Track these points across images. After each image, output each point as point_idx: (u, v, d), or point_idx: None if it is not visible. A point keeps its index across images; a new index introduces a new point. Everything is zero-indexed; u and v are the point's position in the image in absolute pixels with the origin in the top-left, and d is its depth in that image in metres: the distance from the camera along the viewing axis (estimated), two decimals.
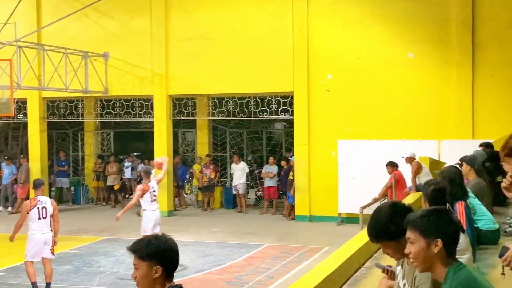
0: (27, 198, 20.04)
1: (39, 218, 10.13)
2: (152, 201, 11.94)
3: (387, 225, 3.60)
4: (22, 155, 21.29)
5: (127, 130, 24.51)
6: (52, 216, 10.33)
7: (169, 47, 18.77)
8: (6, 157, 21.56)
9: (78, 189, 22.31)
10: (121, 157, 22.78)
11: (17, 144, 23.93)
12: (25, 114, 20.77)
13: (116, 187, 21.28)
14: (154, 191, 11.98)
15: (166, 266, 3.44)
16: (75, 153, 23.91)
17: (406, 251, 3.31)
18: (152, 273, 3.41)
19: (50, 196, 20.57)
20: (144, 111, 20.23)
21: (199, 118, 20.88)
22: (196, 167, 20.71)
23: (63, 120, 21.94)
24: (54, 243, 10.43)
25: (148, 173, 12.16)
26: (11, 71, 15.56)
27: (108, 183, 21.22)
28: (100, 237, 15.62)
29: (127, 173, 21.78)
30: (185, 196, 21.45)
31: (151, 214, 11.96)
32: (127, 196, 22.51)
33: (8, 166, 20.78)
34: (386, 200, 13.71)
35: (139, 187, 12.16)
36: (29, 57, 17.28)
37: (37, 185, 10.42)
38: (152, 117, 19.48)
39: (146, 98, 19.91)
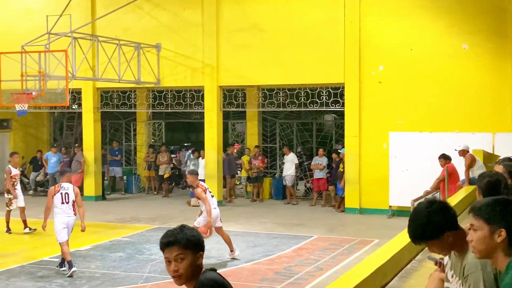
0: (81, 186, 20.56)
1: (62, 203, 11.07)
2: (212, 197, 12.03)
3: (425, 227, 3.57)
4: (76, 145, 21.79)
5: (178, 121, 24.79)
6: (75, 201, 11.19)
7: (220, 38, 18.87)
8: (54, 145, 22.04)
9: (130, 178, 22.70)
10: (171, 147, 23.08)
11: (72, 134, 24.49)
12: (80, 105, 21.22)
13: (165, 176, 21.55)
14: (207, 188, 12.09)
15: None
16: (128, 143, 24.31)
17: (468, 238, 3.28)
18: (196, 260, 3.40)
19: (103, 185, 21.07)
20: (195, 102, 20.41)
21: (249, 109, 20.96)
22: (245, 158, 20.80)
23: (116, 111, 22.35)
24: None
25: (195, 174, 12.21)
26: (67, 62, 15.89)
27: (160, 173, 21.51)
28: (152, 226, 15.86)
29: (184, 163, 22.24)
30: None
31: (214, 211, 11.86)
32: (180, 186, 22.89)
33: (55, 154, 21.21)
34: (438, 193, 13.51)
35: (200, 191, 11.72)
36: (83, 48, 17.62)
37: (62, 172, 11.73)
38: (203, 108, 19.64)
39: (197, 89, 20.08)
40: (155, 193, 21.94)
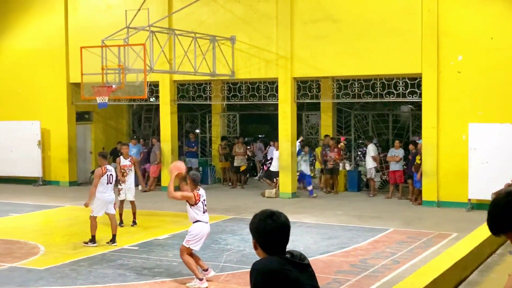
0: (159, 177, 21.04)
1: (107, 183, 12.48)
2: (204, 212, 9.97)
3: (505, 217, 3.45)
4: (154, 136, 22.30)
5: (252, 113, 24.94)
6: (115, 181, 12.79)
7: (294, 30, 18.83)
8: (134, 137, 22.58)
9: (205, 169, 23.03)
10: (245, 139, 23.24)
11: (150, 126, 25.09)
12: (157, 97, 21.67)
13: (242, 168, 21.72)
14: (204, 200, 10.02)
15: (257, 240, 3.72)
16: (203, 135, 24.66)
17: None
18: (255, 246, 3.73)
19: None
20: (269, 93, 20.48)
21: (323, 101, 20.84)
22: (318, 150, 20.72)
23: (192, 103, 22.71)
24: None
25: (196, 181, 10.00)
26: (145, 55, 16.25)
27: (235, 164, 21.70)
28: (227, 216, 16.05)
29: (259, 155, 22.36)
30: None
31: (203, 225, 10.01)
32: (254, 176, 23.10)
33: (134, 146, 21.73)
34: None
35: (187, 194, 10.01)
36: (161, 41, 17.97)
37: (105, 156, 13.03)
38: (277, 99, 19.68)
39: (271, 81, 20.14)
40: (230, 184, 22.16)
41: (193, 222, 9.87)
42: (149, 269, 10.85)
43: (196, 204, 9.78)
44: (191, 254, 9.91)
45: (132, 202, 14.81)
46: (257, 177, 23.44)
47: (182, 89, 21.84)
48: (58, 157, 22.43)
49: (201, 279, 9.72)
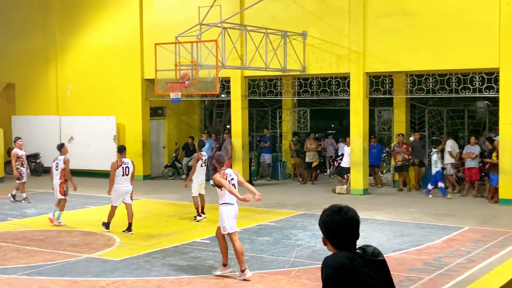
0: None
1: (123, 175, 13.27)
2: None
3: None
4: (225, 131, 22.50)
5: (323, 108, 24.80)
6: (132, 174, 13.39)
7: (367, 24, 18.58)
8: (205, 132, 22.83)
9: (276, 165, 23.08)
10: (316, 135, 23.13)
11: (221, 121, 25.35)
12: (228, 93, 21.86)
13: (314, 164, 21.61)
14: (232, 179, 10.25)
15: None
16: (273, 131, 24.72)
17: None
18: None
19: (250, 171, 21.59)
20: (340, 89, 20.30)
21: (396, 96, 20.49)
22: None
23: (263, 98, 22.78)
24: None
25: (220, 161, 10.33)
26: (217, 51, 16.41)
27: (307, 160, 21.61)
28: (297, 212, 16.04)
29: (330, 151, 22.24)
30: (380, 175, 21.25)
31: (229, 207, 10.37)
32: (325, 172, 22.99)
33: (206, 141, 21.96)
34: None
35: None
36: (232, 37, 18.11)
37: (121, 150, 13.64)
38: (348, 95, 19.48)
39: (342, 76, 19.96)
40: (300, 180, 22.10)
41: (220, 204, 10.17)
42: (221, 262, 10.95)
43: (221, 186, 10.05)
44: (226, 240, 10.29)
45: (201, 196, 15.06)
46: (327, 173, 23.31)
47: (253, 84, 21.95)
48: (132, 151, 22.89)
49: (224, 265, 10.23)
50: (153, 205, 16.68)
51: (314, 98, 21.57)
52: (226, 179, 10.01)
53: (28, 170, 18.32)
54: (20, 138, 18.32)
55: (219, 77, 17.60)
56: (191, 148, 22.89)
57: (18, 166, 17.50)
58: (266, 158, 22.74)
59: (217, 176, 10.03)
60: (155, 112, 23.98)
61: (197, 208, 14.97)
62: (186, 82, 16.72)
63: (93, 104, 23.73)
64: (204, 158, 15.14)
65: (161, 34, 20.60)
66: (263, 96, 22.18)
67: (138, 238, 13.10)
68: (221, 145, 21.90)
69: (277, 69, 19.30)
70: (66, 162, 14.40)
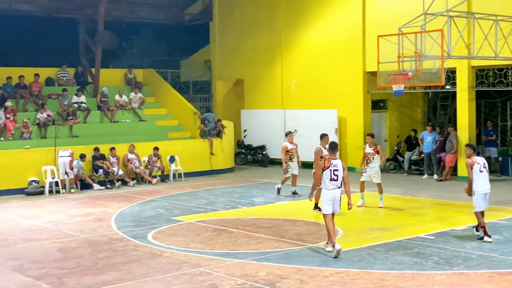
0: (455, 166, 20.43)
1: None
2: (330, 180, 11.01)
3: None
4: (449, 124, 21.67)
5: None
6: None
7: None
8: (429, 124, 22.13)
9: (506, 159, 21.67)
10: None
11: (445, 114, 24.45)
12: (454, 84, 20.99)
13: None
14: (336, 170, 10.97)
15: None
16: (503, 123, 23.25)
17: None
18: None
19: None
20: None
21: None
22: None
23: (491, 89, 21.50)
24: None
25: (332, 147, 11.33)
26: (442, 41, 15.87)
27: None
28: None
29: None
30: None
31: (326, 192, 11.09)
32: None
33: (430, 134, 21.31)
34: None
35: None
36: (459, 26, 17.35)
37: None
38: None
39: None
40: None
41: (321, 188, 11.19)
42: (446, 259, 10.61)
43: (324, 170, 10.98)
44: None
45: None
46: None
47: (480, 75, 20.81)
48: (354, 144, 23.09)
49: (327, 243, 11.17)
50: (375, 198, 16.64)
51: None
52: (329, 167, 10.96)
53: (299, 164, 17.59)
54: (291, 132, 17.91)
55: (444, 68, 16.98)
56: (414, 142, 22.40)
57: (287, 160, 17.10)
58: (492, 151, 21.46)
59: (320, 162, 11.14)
60: (377, 105, 23.85)
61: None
62: (410, 73, 16.42)
63: (315, 98, 24.29)
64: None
65: (384, 26, 20.41)
66: (492, 86, 20.91)
67: (361, 231, 13.16)
68: (445, 138, 21.12)
69: (508, 58, 18.12)
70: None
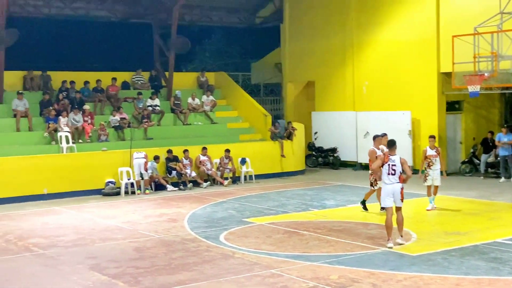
0: None
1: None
2: (388, 174, 11.82)
3: None
4: None
5: None
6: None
7: None
8: (504, 126, 21.45)
9: None
10: None
11: None
12: None
13: None
14: (394, 165, 11.80)
15: None
16: None
17: None
18: None
19: None
20: None
21: None
22: None
23: None
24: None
25: (389, 144, 12.05)
26: None
27: None
28: None
29: None
30: None
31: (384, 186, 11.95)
32: None
33: (505, 135, 20.64)
34: None
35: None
36: None
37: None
38: None
39: None
40: None
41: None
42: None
43: (382, 165, 11.71)
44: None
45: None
46: None
47: None
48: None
49: (388, 240, 11.65)
50: (449, 201, 16.29)
51: None
52: (388, 162, 11.64)
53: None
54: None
55: None
56: (490, 144, 21.77)
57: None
58: None
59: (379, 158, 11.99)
60: (452, 106, 23.31)
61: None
62: (486, 74, 16.02)
63: (388, 99, 23.97)
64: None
65: (459, 25, 19.94)
66: None
67: (435, 234, 12.90)
68: None
69: None
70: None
